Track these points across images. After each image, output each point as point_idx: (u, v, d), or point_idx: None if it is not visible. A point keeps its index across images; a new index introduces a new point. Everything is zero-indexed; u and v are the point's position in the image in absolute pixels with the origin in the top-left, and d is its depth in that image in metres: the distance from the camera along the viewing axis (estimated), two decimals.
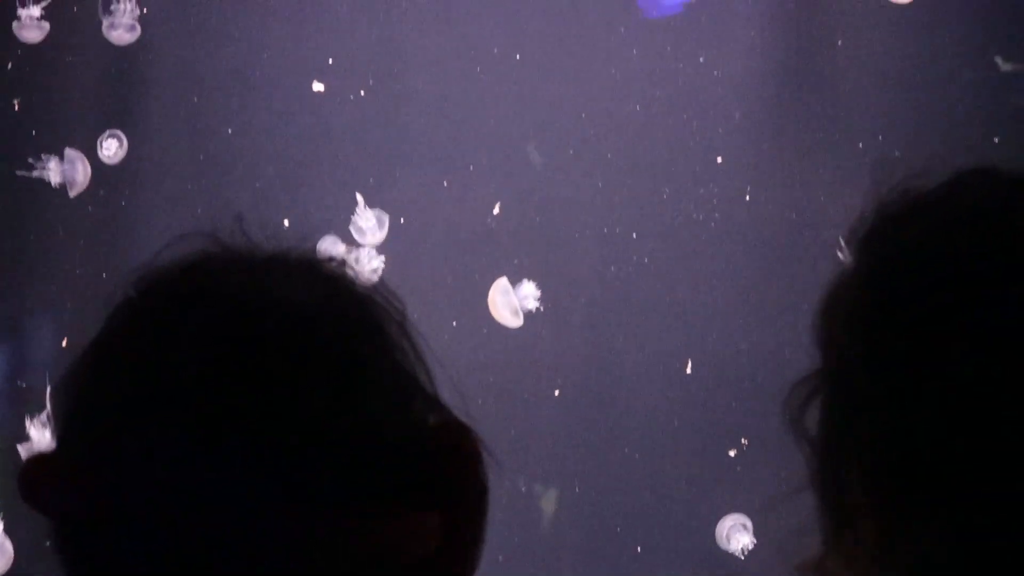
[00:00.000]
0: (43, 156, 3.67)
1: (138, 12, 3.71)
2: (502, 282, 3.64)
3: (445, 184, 3.77)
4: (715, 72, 3.76)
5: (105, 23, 3.71)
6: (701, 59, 3.76)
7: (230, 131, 3.76)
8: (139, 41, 3.73)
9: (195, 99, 3.75)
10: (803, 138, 3.74)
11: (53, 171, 3.69)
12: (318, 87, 3.77)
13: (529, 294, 3.68)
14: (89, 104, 3.76)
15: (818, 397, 1.08)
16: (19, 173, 3.68)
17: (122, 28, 3.69)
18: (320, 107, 3.78)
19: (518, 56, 3.79)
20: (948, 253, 1.04)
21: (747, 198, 3.77)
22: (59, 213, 3.75)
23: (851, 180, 3.60)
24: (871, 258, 1.08)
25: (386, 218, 3.63)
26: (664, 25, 3.72)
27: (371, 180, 3.77)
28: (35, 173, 3.68)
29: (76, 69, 3.78)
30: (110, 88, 3.76)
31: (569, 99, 3.78)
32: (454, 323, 3.70)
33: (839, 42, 3.72)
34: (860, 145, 3.69)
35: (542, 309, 3.73)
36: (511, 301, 3.65)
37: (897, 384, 1.03)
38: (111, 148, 3.71)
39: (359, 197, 3.66)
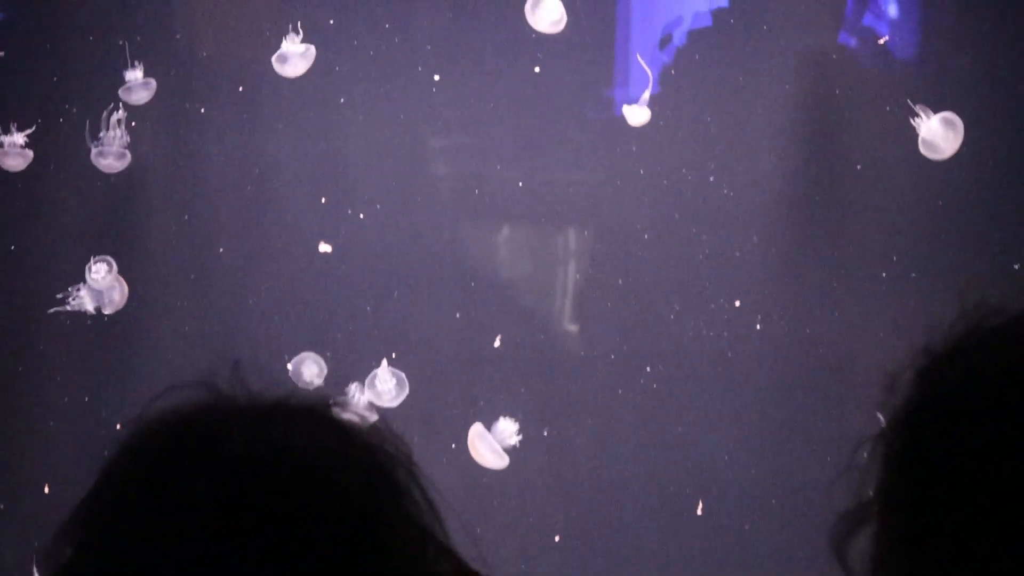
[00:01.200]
0: (70, 287, 3.56)
1: (127, 139, 3.58)
2: (476, 427, 3.54)
3: (448, 313, 3.69)
4: (727, 191, 3.68)
5: (94, 151, 3.62)
6: (711, 178, 3.67)
7: (222, 267, 3.69)
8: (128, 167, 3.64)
9: (185, 218, 3.65)
10: (820, 265, 3.65)
11: (85, 298, 3.58)
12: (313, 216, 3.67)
13: (506, 430, 3.57)
14: (76, 231, 3.67)
15: (863, 528, 1.05)
16: (52, 311, 3.60)
17: (112, 156, 3.59)
18: (313, 238, 3.69)
19: (520, 183, 3.71)
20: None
21: (759, 326, 3.68)
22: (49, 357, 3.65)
23: (876, 308, 3.55)
24: (938, 390, 1.05)
25: (406, 381, 3.51)
26: (677, 142, 3.64)
27: (367, 308, 3.68)
28: (69, 307, 3.58)
29: (61, 196, 3.69)
30: (97, 214, 3.67)
31: (577, 219, 3.73)
32: (455, 461, 3.59)
33: (858, 166, 3.64)
34: (884, 274, 3.61)
35: (546, 434, 3.64)
36: (490, 443, 3.55)
37: (961, 521, 1.00)
38: (100, 272, 3.62)
39: (384, 362, 3.54)
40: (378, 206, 3.67)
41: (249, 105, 3.68)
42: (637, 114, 3.59)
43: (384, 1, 3.65)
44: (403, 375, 3.52)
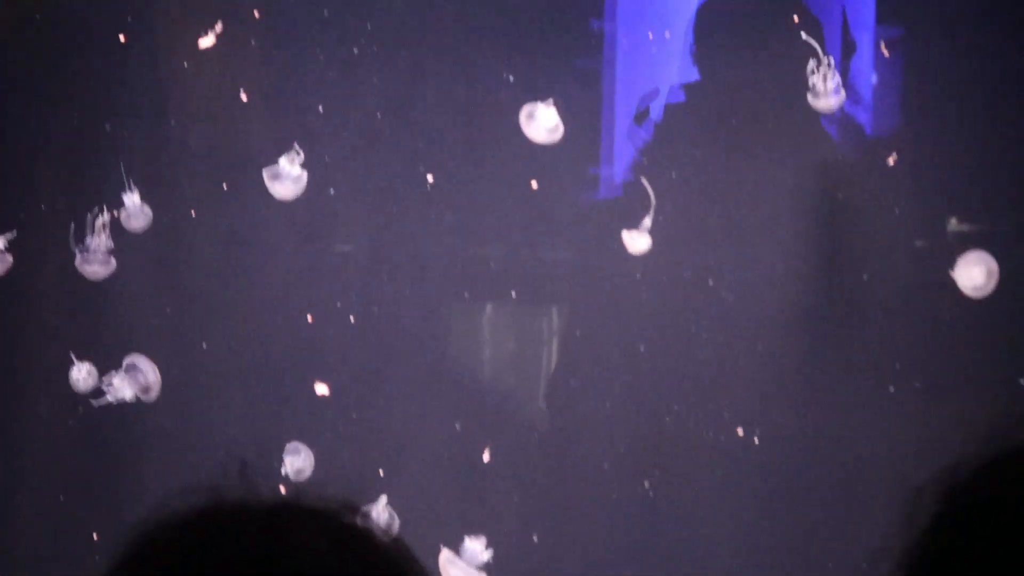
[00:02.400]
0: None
1: (112, 244, 3.51)
2: (444, 554, 3.43)
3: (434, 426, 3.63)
4: (728, 296, 3.63)
5: (79, 258, 3.53)
6: (710, 280, 3.63)
7: (211, 367, 3.61)
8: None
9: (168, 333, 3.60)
10: (824, 374, 3.60)
11: (119, 386, 3.52)
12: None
13: (476, 549, 3.47)
14: (57, 336, 3.61)
15: None
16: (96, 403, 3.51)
17: (96, 263, 3.51)
18: (310, 338, 3.65)
19: (513, 293, 3.70)
20: None
21: (756, 440, 3.61)
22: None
23: (882, 420, 3.52)
24: (965, 507, 1.04)
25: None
26: (676, 256, 3.60)
27: (354, 415, 3.62)
28: (109, 397, 3.51)
29: (42, 302, 3.63)
30: (80, 321, 3.62)
31: (576, 338, 3.70)
32: None
33: (865, 275, 3.60)
34: (891, 389, 3.56)
35: (536, 541, 3.58)
36: (464, 569, 3.44)
37: None
38: (81, 370, 3.54)
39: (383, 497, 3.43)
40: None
41: (237, 209, 3.62)
42: (637, 241, 3.51)
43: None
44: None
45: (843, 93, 3.47)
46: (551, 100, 3.47)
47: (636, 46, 3.77)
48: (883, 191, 3.56)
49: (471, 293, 3.70)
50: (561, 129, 3.48)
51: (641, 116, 3.68)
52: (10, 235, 3.57)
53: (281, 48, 3.65)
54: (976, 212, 3.55)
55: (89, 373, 3.55)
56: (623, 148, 3.72)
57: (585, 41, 3.76)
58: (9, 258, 3.58)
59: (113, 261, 3.54)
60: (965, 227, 3.57)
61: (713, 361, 3.61)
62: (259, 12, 3.62)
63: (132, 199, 3.54)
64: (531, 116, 3.49)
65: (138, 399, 3.54)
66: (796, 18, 3.57)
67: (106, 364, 3.56)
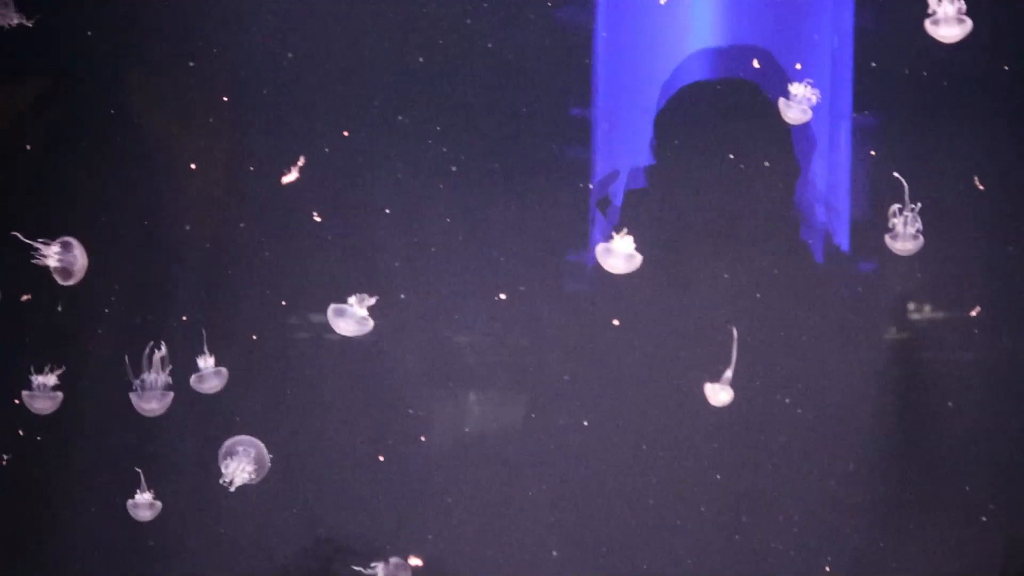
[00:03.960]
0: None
1: (169, 380, 3.54)
2: None
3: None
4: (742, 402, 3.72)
5: (135, 393, 3.53)
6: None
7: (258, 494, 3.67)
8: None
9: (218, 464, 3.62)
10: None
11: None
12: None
13: None
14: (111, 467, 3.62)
15: None
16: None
17: (154, 399, 3.53)
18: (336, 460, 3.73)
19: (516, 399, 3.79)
20: None
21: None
22: None
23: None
24: None
25: None
26: (690, 356, 3.69)
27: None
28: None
29: (93, 439, 3.63)
30: (132, 453, 3.63)
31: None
32: None
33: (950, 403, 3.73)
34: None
35: None
36: None
37: None
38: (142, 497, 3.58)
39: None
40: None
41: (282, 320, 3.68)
42: (719, 394, 3.58)
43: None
44: None
45: (921, 239, 3.58)
46: (624, 230, 3.56)
47: (614, 132, 3.84)
48: (861, 300, 3.73)
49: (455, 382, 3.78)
50: (639, 257, 3.57)
51: (603, 203, 3.73)
52: (60, 371, 3.53)
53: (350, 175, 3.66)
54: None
55: (151, 505, 3.61)
56: (594, 236, 3.77)
57: (571, 129, 3.81)
58: (60, 396, 3.55)
59: (170, 396, 3.55)
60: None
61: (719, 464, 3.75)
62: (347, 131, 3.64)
63: (207, 361, 3.56)
64: (608, 251, 3.56)
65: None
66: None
67: (165, 491, 3.62)
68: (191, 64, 3.63)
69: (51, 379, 3.51)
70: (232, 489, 3.55)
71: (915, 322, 3.74)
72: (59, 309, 3.58)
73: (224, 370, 3.51)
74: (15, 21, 3.51)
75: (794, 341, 3.69)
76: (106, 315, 3.61)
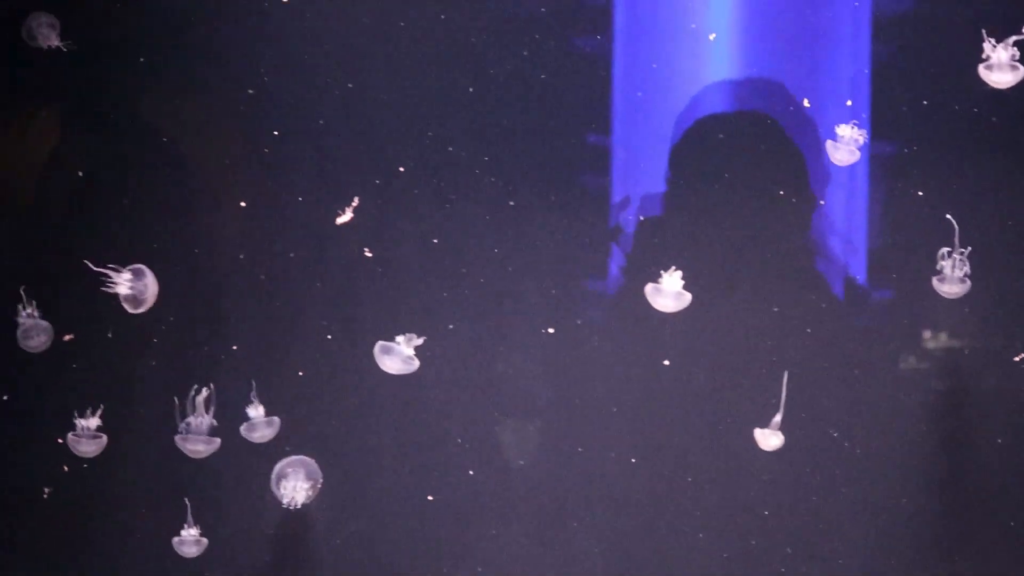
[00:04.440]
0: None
1: (214, 422, 3.53)
2: None
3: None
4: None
5: (180, 438, 3.52)
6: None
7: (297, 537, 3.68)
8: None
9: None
10: None
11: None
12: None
13: None
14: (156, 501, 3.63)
15: None
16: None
17: (200, 442, 3.52)
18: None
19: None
20: None
21: None
22: None
23: None
24: None
25: None
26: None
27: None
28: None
29: (139, 472, 3.62)
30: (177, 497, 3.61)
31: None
32: None
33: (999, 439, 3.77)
34: None
35: None
36: None
37: None
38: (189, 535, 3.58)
39: None
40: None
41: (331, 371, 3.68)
42: (770, 439, 3.61)
43: None
44: None
45: (968, 283, 3.61)
46: (672, 267, 3.59)
47: (632, 160, 3.87)
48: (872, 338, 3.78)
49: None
50: (688, 295, 3.59)
51: (616, 231, 3.77)
52: (100, 411, 3.50)
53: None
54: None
55: (198, 542, 3.60)
56: (614, 263, 3.82)
57: (589, 154, 3.83)
58: (104, 438, 3.52)
59: (217, 440, 3.55)
60: None
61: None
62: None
63: (257, 410, 3.55)
64: (657, 290, 3.59)
65: None
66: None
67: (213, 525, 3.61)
68: (250, 92, 3.58)
69: (94, 422, 3.47)
70: (298, 507, 3.55)
71: (957, 352, 3.78)
72: (109, 335, 3.52)
73: (276, 419, 3.51)
74: (55, 44, 3.45)
75: (826, 374, 3.74)
76: (155, 345, 3.58)
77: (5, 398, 3.59)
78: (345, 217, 3.57)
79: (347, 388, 3.68)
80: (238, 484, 3.64)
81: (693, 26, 3.82)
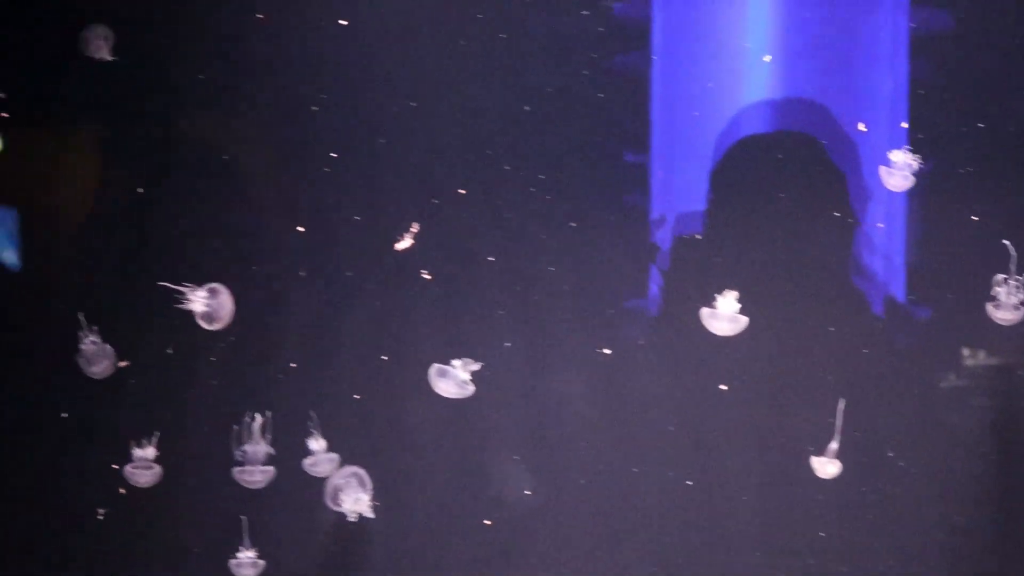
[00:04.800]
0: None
1: (271, 450, 3.52)
2: None
3: None
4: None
5: (237, 469, 3.51)
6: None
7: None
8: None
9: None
10: None
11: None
12: None
13: None
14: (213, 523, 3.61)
15: None
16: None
17: (256, 472, 3.49)
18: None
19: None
20: None
21: None
22: None
23: None
24: None
25: None
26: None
27: None
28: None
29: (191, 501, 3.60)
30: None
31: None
32: None
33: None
34: None
35: None
36: None
37: None
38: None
39: None
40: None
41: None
42: (827, 466, 3.60)
43: None
44: None
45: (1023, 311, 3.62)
46: (726, 290, 3.60)
47: (670, 178, 3.89)
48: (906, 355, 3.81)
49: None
50: (744, 319, 3.58)
51: (652, 249, 3.79)
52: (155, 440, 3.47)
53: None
54: None
55: (254, 564, 3.57)
56: (654, 282, 3.82)
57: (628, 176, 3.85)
58: (159, 468, 3.49)
59: (272, 469, 3.52)
60: None
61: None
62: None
63: (319, 444, 3.52)
64: (713, 314, 3.59)
65: None
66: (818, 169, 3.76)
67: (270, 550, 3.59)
68: (314, 108, 3.57)
69: (151, 451, 3.44)
70: (362, 518, 3.53)
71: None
72: (169, 351, 3.49)
73: (337, 456, 3.47)
74: (106, 57, 3.42)
75: (878, 394, 3.76)
76: (213, 364, 3.55)
77: (64, 415, 3.51)
78: (405, 243, 3.55)
79: (402, 409, 3.66)
80: (293, 504, 3.62)
81: (748, 45, 3.83)
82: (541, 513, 3.75)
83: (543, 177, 3.70)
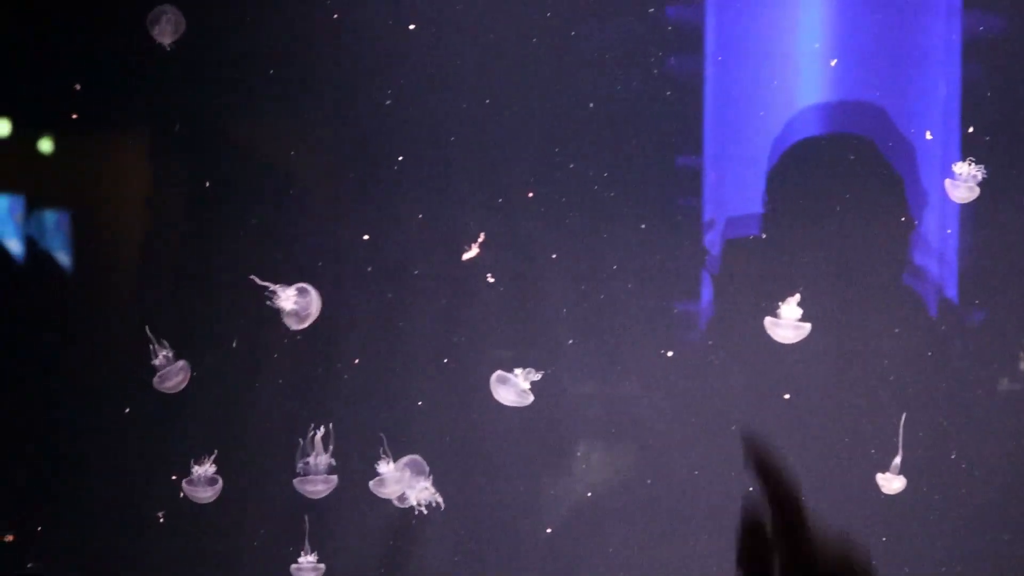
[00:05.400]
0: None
1: (332, 461, 3.51)
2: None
3: None
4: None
5: (298, 478, 3.49)
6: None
7: None
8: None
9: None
10: None
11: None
12: None
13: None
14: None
15: None
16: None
17: (319, 482, 3.50)
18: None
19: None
20: None
21: None
22: None
23: None
24: None
25: None
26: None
27: None
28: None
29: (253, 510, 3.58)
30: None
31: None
32: None
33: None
34: None
35: None
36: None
37: None
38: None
39: None
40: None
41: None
42: (892, 483, 3.58)
43: None
44: None
45: None
46: (788, 296, 3.58)
47: (722, 181, 3.88)
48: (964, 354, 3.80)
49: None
50: (807, 325, 3.56)
51: (702, 252, 3.78)
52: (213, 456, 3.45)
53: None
54: None
55: (315, 569, 3.55)
56: (707, 288, 3.83)
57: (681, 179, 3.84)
58: (220, 483, 3.47)
59: (335, 479, 3.50)
60: None
61: None
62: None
63: (388, 467, 3.52)
64: (776, 323, 3.58)
65: None
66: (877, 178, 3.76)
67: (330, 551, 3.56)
68: (388, 103, 3.57)
69: (210, 469, 3.41)
70: (425, 508, 3.53)
71: None
72: (234, 345, 3.47)
73: (407, 475, 3.46)
74: (166, 42, 3.38)
75: (942, 395, 3.75)
76: (276, 369, 3.54)
77: (127, 411, 3.49)
78: (471, 253, 3.53)
79: (465, 411, 3.65)
80: (354, 508, 3.61)
81: (817, 45, 3.80)
82: (602, 513, 3.73)
83: (606, 175, 3.67)
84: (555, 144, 3.69)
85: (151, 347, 3.42)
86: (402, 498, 3.54)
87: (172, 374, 3.43)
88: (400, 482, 3.52)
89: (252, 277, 3.46)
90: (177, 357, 3.46)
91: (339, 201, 3.63)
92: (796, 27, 3.86)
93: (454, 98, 3.66)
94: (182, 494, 3.53)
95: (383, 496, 3.51)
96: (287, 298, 3.47)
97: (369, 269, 3.63)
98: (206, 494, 3.47)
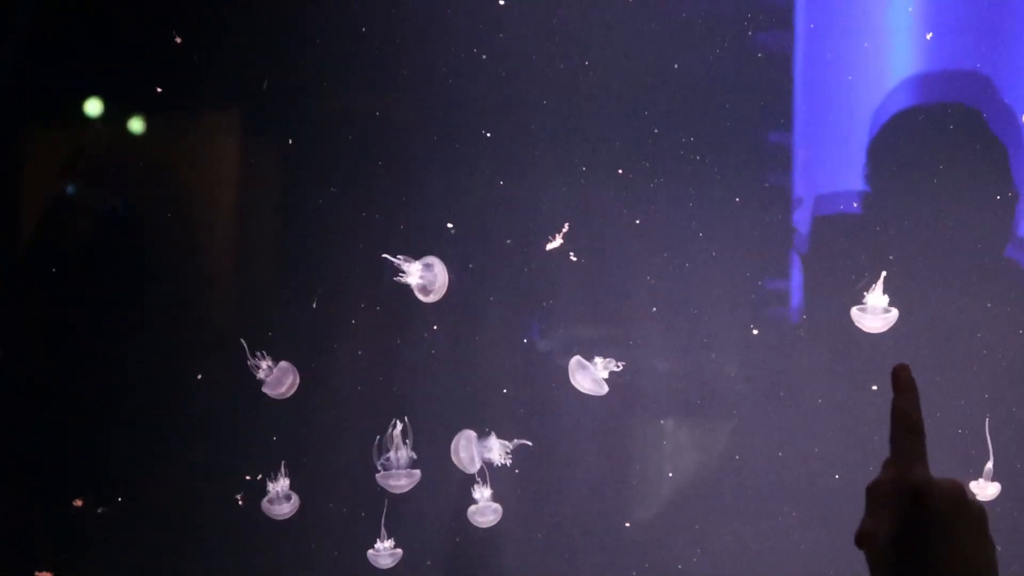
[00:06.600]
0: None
1: (414, 455, 3.50)
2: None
3: None
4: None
5: (380, 474, 3.49)
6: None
7: None
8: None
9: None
10: None
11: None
12: None
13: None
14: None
15: None
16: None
17: (402, 476, 3.50)
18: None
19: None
20: None
21: None
22: None
23: None
24: None
25: None
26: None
27: None
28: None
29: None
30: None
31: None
32: None
33: None
34: None
35: None
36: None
37: None
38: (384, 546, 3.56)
39: None
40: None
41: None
42: (986, 489, 3.50)
43: None
44: None
45: None
46: (873, 285, 3.51)
47: (814, 159, 3.81)
48: None
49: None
50: (895, 311, 3.48)
51: (789, 231, 3.72)
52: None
53: None
54: None
55: (392, 554, 3.55)
56: (796, 266, 3.76)
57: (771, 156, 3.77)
58: (296, 500, 3.48)
59: (418, 473, 3.47)
60: None
61: None
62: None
63: (483, 492, 3.53)
64: (863, 311, 3.49)
65: None
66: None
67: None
68: (473, 81, 3.58)
69: (285, 484, 3.41)
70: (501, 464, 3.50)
71: None
72: (314, 304, 3.47)
73: (500, 507, 3.48)
74: None
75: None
76: (359, 359, 3.55)
77: (200, 377, 3.49)
78: (555, 243, 3.48)
79: (547, 392, 3.61)
80: (432, 497, 3.59)
81: (910, 9, 3.72)
82: (686, 486, 3.70)
83: (692, 139, 3.62)
84: (643, 109, 3.63)
85: (250, 363, 3.42)
86: (486, 463, 3.49)
87: (278, 382, 3.43)
88: (496, 513, 3.52)
89: (384, 256, 3.48)
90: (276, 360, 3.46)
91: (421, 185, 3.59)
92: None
93: (546, 62, 3.61)
94: (260, 476, 3.50)
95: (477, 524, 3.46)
96: (414, 272, 3.44)
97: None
98: (283, 510, 3.44)
